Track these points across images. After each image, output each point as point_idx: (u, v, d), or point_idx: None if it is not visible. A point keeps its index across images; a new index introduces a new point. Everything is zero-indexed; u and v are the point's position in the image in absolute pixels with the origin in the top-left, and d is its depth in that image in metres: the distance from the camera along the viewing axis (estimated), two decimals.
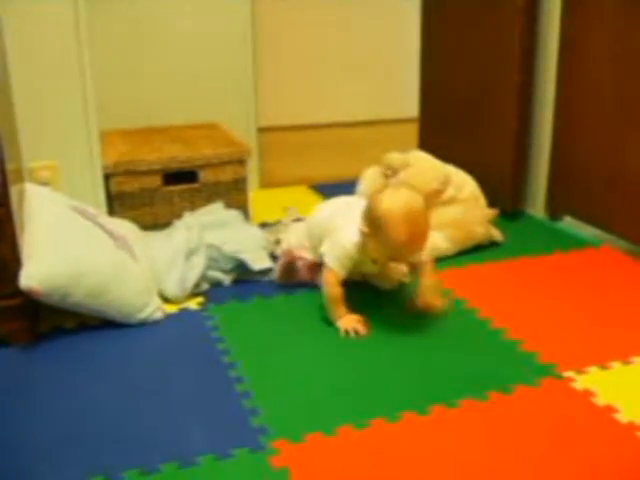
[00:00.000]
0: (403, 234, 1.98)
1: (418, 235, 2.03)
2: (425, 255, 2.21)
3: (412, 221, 1.99)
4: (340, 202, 2.38)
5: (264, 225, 2.81)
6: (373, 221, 2.04)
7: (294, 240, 2.44)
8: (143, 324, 2.17)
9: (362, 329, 2.10)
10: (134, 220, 2.63)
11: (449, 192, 2.64)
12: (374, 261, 2.18)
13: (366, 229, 2.07)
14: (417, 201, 2.04)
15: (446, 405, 1.76)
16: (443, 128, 3.46)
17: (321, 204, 2.48)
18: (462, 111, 3.30)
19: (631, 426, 1.67)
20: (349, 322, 2.11)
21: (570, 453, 1.58)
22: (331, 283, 2.15)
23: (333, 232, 2.19)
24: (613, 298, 2.32)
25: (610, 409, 1.74)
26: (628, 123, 2.61)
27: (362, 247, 2.12)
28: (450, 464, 1.56)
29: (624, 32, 2.57)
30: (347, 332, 2.09)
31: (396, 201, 2.01)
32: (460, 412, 1.74)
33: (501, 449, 1.61)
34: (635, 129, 2.59)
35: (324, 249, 2.19)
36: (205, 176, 2.78)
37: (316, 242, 2.30)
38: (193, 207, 2.72)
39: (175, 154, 2.75)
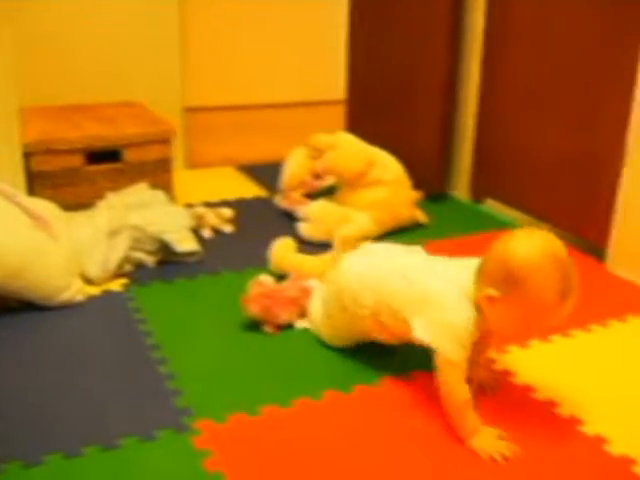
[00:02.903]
0: (555, 288, 1.48)
1: (571, 290, 1.49)
2: None
3: (563, 270, 1.49)
4: (394, 254, 1.84)
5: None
6: (506, 278, 1.51)
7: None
8: (64, 306, 2.12)
9: (509, 450, 1.54)
10: (55, 200, 2.55)
11: (374, 174, 2.66)
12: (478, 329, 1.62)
13: (495, 292, 1.53)
14: (560, 245, 1.54)
15: (369, 384, 1.78)
16: (370, 111, 3.48)
17: (355, 259, 1.87)
18: (389, 94, 3.32)
19: (550, 403, 1.72)
20: (492, 444, 1.55)
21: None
22: (456, 381, 1.59)
23: (428, 305, 1.63)
24: None
25: (528, 388, 1.78)
26: (547, 109, 2.68)
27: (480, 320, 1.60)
28: (373, 440, 1.59)
29: (546, 18, 2.62)
30: (492, 457, 1.53)
31: (537, 245, 1.51)
32: (383, 390, 1.76)
33: (420, 423, 1.64)
34: (553, 115, 2.66)
35: (425, 333, 1.61)
36: (129, 156, 2.73)
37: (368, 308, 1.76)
38: (117, 187, 2.67)
39: (98, 133, 2.70)
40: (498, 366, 1.86)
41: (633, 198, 2.39)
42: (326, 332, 1.94)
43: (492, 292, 1.53)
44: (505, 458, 1.52)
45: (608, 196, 2.47)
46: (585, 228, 2.60)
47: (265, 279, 2.12)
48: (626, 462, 1.54)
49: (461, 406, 1.58)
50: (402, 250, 1.85)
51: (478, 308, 1.58)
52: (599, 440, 1.60)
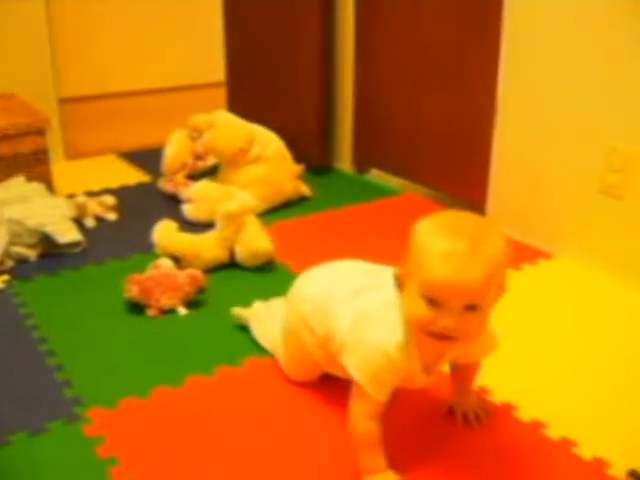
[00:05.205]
0: (439, 244, 1.24)
1: (470, 271, 1.21)
2: (485, 351, 1.51)
3: (454, 232, 1.25)
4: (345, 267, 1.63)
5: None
6: (408, 249, 1.31)
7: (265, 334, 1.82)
8: None
9: None
10: None
11: (255, 150, 2.67)
12: (425, 367, 1.40)
13: (401, 269, 1.34)
14: (469, 219, 1.33)
15: (260, 356, 1.80)
16: (250, 90, 3.47)
17: (308, 275, 1.67)
18: (267, 73, 3.32)
19: None
20: None
21: None
22: (362, 415, 1.38)
23: (360, 325, 1.41)
24: None
25: None
26: (421, 78, 2.75)
27: (411, 344, 1.35)
28: (265, 413, 1.61)
29: None
30: None
31: (439, 215, 1.34)
32: (271, 361, 1.77)
33: (313, 393, 1.66)
34: (427, 84, 2.73)
35: (351, 359, 1.39)
36: (1, 149, 2.65)
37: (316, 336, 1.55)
38: None
39: None
40: (494, 397, 1.67)
41: (505, 157, 2.49)
42: (284, 360, 1.72)
43: (399, 270, 1.34)
44: None
45: (483, 157, 2.56)
46: (465, 189, 2.68)
47: (163, 262, 2.11)
48: (483, 391, 1.62)
49: (362, 440, 1.39)
50: (361, 269, 1.60)
51: (416, 339, 1.34)
52: (483, 390, 1.67)
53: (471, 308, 1.24)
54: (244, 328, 1.91)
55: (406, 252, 1.31)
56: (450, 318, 1.24)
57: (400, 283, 1.33)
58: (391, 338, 1.34)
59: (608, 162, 2.18)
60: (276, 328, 1.74)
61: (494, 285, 1.26)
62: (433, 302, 1.24)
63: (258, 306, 1.92)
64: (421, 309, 1.25)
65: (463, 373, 1.57)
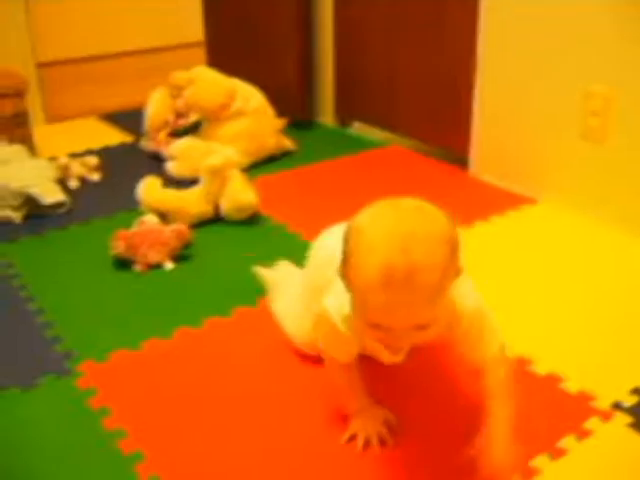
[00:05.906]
0: (374, 274, 1.05)
1: (408, 287, 1.04)
2: (492, 350, 1.30)
3: (398, 249, 1.05)
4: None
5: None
6: (346, 253, 1.13)
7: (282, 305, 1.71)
8: None
9: (387, 434, 1.37)
10: None
11: (236, 105, 2.65)
12: (388, 348, 1.24)
13: (343, 269, 1.15)
14: (417, 221, 1.12)
15: (248, 306, 1.81)
16: (230, 48, 3.44)
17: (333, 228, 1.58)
18: (246, 29, 3.29)
19: None
20: (371, 426, 1.36)
21: None
22: (333, 368, 1.39)
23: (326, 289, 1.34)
24: (401, 191, 2.43)
25: None
26: (404, 29, 2.72)
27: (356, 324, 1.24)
28: (255, 362, 1.62)
29: None
30: (368, 441, 1.35)
31: (376, 213, 1.15)
32: (259, 311, 1.79)
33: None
34: (410, 34, 2.71)
35: (313, 317, 1.40)
36: None
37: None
38: None
39: None
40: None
41: (486, 106, 2.49)
42: (292, 322, 1.64)
43: (341, 267, 1.15)
44: (382, 443, 1.36)
45: (465, 106, 2.56)
46: (448, 139, 2.68)
47: (149, 218, 2.11)
48: None
49: (339, 390, 1.42)
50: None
51: None
52: None
53: (421, 327, 1.12)
54: (231, 280, 1.93)
55: (344, 252, 1.13)
56: (399, 340, 1.15)
57: (343, 281, 1.16)
58: (338, 310, 1.27)
59: (586, 105, 2.19)
60: (291, 294, 1.69)
61: (446, 284, 1.10)
62: (378, 327, 1.13)
63: (283, 268, 1.84)
64: (366, 326, 1.15)
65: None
